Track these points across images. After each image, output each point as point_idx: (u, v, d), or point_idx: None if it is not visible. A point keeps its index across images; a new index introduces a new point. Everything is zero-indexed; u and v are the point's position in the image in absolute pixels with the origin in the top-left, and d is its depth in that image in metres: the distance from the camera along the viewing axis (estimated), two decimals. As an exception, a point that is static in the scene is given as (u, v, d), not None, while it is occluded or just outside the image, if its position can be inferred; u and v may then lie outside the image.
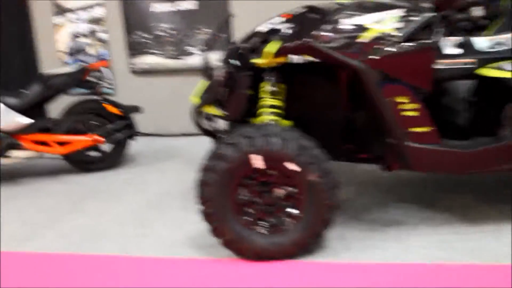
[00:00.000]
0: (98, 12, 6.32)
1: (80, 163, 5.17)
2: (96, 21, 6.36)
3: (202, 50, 4.46)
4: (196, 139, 6.04)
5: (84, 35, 6.43)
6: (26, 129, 4.91)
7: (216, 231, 3.10)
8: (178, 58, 6.17)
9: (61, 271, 3.28)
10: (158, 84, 6.32)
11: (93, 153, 5.20)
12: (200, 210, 3.09)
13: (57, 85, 4.95)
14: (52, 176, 5.18)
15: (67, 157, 5.11)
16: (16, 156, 4.95)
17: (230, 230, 3.06)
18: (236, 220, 3.06)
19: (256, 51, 3.29)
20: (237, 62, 3.38)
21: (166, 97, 6.27)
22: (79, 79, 5.00)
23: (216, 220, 3.06)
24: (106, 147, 5.20)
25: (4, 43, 6.62)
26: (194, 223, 3.75)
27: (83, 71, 5.03)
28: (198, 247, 3.41)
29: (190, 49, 6.11)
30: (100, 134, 5.04)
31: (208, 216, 3.08)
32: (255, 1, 5.68)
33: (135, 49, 6.29)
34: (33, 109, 4.98)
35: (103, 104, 5.08)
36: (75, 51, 6.47)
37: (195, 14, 6.02)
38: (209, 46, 4.28)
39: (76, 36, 6.45)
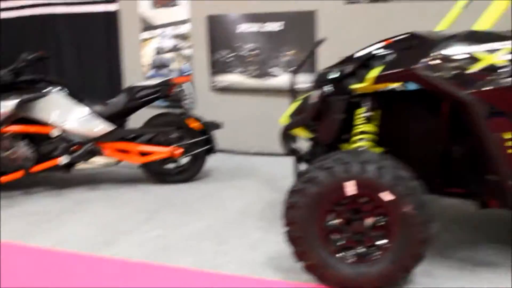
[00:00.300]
0: (184, 28, 6.40)
1: (158, 174, 5.20)
2: (181, 37, 6.45)
3: (290, 72, 4.41)
4: (272, 159, 6.03)
5: (169, 51, 6.51)
6: (109, 136, 4.98)
7: (300, 255, 3.01)
8: (260, 78, 6.16)
9: (134, 279, 3.27)
10: (237, 103, 6.32)
11: (170, 165, 5.22)
12: (285, 232, 3.00)
13: (144, 97, 5.01)
14: (129, 184, 5.22)
15: (145, 166, 5.15)
16: (95, 161, 5.02)
17: (315, 255, 2.96)
18: (322, 245, 2.96)
19: (354, 76, 3.22)
20: (332, 87, 3.30)
21: (245, 115, 6.27)
22: (165, 92, 5.05)
23: (301, 243, 2.97)
24: (184, 160, 5.21)
25: (92, 54, 6.82)
26: (273, 244, 3.68)
27: (169, 85, 5.07)
28: (277, 268, 3.33)
29: (273, 70, 6.09)
30: (180, 147, 5.06)
31: (293, 239, 3.00)
32: (340, 25, 5.62)
33: (217, 66, 6.32)
34: (118, 118, 5.06)
35: (185, 118, 5.10)
36: (159, 66, 6.57)
37: (279, 36, 6.01)
38: (298, 67, 4.22)
39: (160, 51, 6.55)
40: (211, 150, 5.20)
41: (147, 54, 6.63)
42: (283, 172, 5.43)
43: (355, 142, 3.26)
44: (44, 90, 4.91)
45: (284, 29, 6.00)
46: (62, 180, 5.36)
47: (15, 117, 4.82)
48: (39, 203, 4.76)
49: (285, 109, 6.14)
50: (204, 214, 4.36)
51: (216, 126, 5.21)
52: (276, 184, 5.09)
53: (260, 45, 6.12)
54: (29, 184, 5.20)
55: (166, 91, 5.06)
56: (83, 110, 4.98)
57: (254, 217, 4.24)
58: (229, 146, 6.26)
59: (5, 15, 7.17)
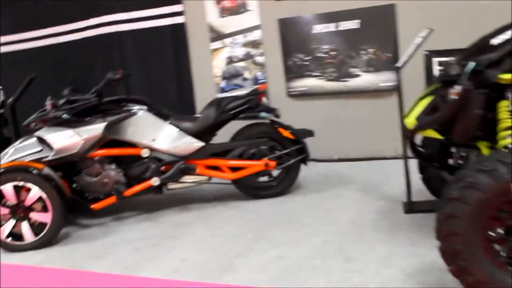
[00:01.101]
0: (255, 35, 6.11)
1: (250, 188, 4.89)
2: (252, 44, 6.15)
3: (395, 68, 4.06)
4: (359, 165, 5.69)
5: (241, 59, 6.23)
6: (200, 153, 4.70)
7: (461, 271, 2.64)
8: (339, 81, 5.81)
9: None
10: (316, 108, 6.00)
11: (263, 178, 4.91)
12: (442, 246, 2.64)
13: (234, 108, 4.71)
14: (221, 202, 4.93)
15: (236, 181, 4.85)
16: (186, 180, 4.73)
17: (480, 270, 2.59)
18: (487, 258, 2.59)
19: (498, 65, 2.85)
20: (470, 79, 2.95)
21: (325, 120, 5.92)
22: (255, 102, 4.75)
23: (463, 258, 2.61)
24: (275, 172, 4.90)
25: (160, 69, 6.58)
26: (404, 258, 3.33)
27: (258, 93, 4.78)
28: (423, 284, 2.98)
29: (353, 70, 5.74)
30: (272, 159, 4.75)
31: (452, 253, 2.63)
32: (423, 16, 5.23)
33: (292, 71, 6.01)
34: (207, 133, 4.77)
35: (277, 128, 4.79)
36: (231, 75, 6.28)
37: (357, 34, 5.67)
38: (403, 63, 3.88)
39: (232, 60, 6.27)
40: (305, 160, 4.87)
41: (218, 65, 6.35)
42: (376, 177, 5.11)
43: (503, 138, 2.89)
44: (131, 110, 4.65)
45: (362, 26, 5.66)
46: (151, 202, 5.09)
47: (104, 141, 4.58)
48: (135, 228, 4.49)
49: (369, 111, 5.87)
50: (315, 228, 4.03)
51: (308, 133, 4.89)
52: (376, 191, 4.73)
53: (337, 46, 5.78)
54: (118, 208, 4.93)
55: (256, 101, 4.76)
56: (171, 128, 4.71)
57: (371, 229, 3.88)
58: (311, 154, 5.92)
59: (70, 37, 7.00)
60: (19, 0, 7.06)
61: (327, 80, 5.89)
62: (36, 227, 4.20)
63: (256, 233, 4.06)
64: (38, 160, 4.41)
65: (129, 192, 4.61)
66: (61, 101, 4.55)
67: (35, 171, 4.18)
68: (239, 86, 6.22)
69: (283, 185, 4.89)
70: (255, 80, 6.19)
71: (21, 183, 4.15)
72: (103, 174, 4.60)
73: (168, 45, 6.54)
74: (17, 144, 4.60)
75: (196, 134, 4.71)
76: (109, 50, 6.82)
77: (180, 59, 6.52)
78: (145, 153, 4.64)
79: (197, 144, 4.69)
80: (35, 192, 4.14)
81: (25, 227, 4.19)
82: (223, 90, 6.29)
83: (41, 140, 4.53)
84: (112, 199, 4.58)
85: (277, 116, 4.84)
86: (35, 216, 4.19)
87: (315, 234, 3.91)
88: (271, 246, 3.79)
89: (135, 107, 4.69)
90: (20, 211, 4.19)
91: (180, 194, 5.21)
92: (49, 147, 4.48)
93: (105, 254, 3.98)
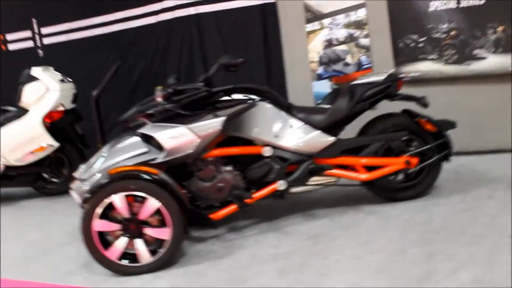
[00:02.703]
0: (358, 14, 5.23)
1: (385, 190, 4.05)
2: (355, 25, 5.28)
3: None
4: (480, 158, 4.87)
5: (341, 42, 5.35)
6: (330, 151, 3.86)
7: None
8: (461, 64, 4.94)
9: None
10: (432, 95, 5.04)
11: (399, 178, 4.05)
12: None
13: (371, 97, 3.86)
14: (348, 206, 4.10)
15: (369, 183, 4.00)
16: (312, 182, 3.90)
17: None
18: None
19: None
20: None
21: (442, 110, 4.97)
22: (395, 89, 3.90)
23: None
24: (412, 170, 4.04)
25: (245, 54, 5.70)
26: None
27: (397, 79, 3.93)
28: None
29: (478, 52, 4.87)
30: (414, 155, 3.91)
31: None
32: None
33: (403, 55, 5.13)
34: (337, 127, 3.93)
35: (418, 119, 3.94)
36: (330, 60, 5.42)
37: (483, 10, 4.79)
38: None
39: (331, 43, 5.40)
40: (448, 156, 4.02)
41: (315, 49, 5.47)
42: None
43: None
44: (248, 101, 3.80)
45: (488, 1, 4.77)
46: (259, 207, 4.22)
47: (221, 139, 3.74)
48: (263, 242, 3.66)
49: (495, 98, 4.99)
50: (494, 240, 3.16)
51: (451, 125, 4.03)
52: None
53: (459, 24, 4.90)
54: (227, 216, 4.06)
55: (396, 88, 3.91)
56: (295, 121, 3.87)
57: None
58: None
59: (142, 21, 6.15)
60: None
61: (445, 64, 5.01)
62: (150, 245, 3.39)
63: (423, 247, 3.22)
64: (144, 164, 3.58)
65: (252, 199, 3.78)
66: (167, 92, 3.68)
67: (150, 178, 3.35)
68: (340, 73, 5.36)
69: (422, 185, 4.04)
70: (359, 65, 5.32)
71: (133, 193, 3.32)
72: (219, 177, 3.76)
73: (256, 28, 5.69)
74: (115, 145, 3.78)
75: (325, 128, 3.87)
76: (186, 34, 5.97)
77: (269, 44, 5.68)
78: (267, 151, 3.80)
79: (328, 139, 3.85)
80: (152, 203, 3.32)
81: (140, 246, 3.36)
82: (320, 77, 5.44)
83: (146, 140, 3.70)
84: (233, 208, 3.75)
85: (425, 106, 3.98)
86: (150, 232, 3.37)
87: (499, 248, 3.05)
88: (456, 265, 2.94)
89: (252, 98, 3.84)
90: (133, 227, 3.36)
91: (299, 199, 4.34)
92: (157, 147, 3.65)
93: (244, 279, 3.14)
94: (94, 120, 5.15)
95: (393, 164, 3.88)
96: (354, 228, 3.68)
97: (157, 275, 3.33)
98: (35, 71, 5.44)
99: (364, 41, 5.28)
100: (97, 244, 3.34)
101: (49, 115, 5.40)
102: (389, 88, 3.87)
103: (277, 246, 3.56)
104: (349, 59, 5.36)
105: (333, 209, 4.08)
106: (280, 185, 3.79)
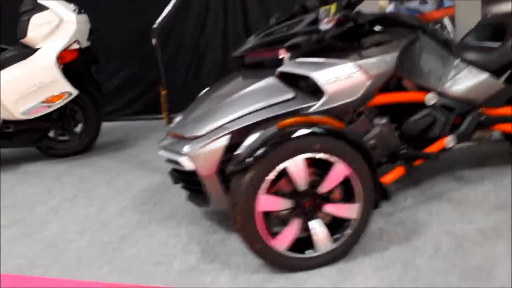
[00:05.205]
0: None
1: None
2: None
3: None
4: None
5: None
6: (499, 99, 2.96)
7: None
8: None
9: None
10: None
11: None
12: None
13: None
14: (491, 165, 3.26)
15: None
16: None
17: None
18: None
19: None
20: None
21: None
22: None
23: None
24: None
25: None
26: None
27: None
28: None
29: None
30: None
31: None
32: None
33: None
34: (505, 70, 3.03)
35: None
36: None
37: None
38: None
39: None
40: None
41: (387, -17, 4.49)
42: None
43: None
44: (409, 34, 2.77)
45: None
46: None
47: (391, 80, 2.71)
48: (441, 215, 2.72)
49: None
50: None
51: None
52: None
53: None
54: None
55: None
56: (459, 62, 2.92)
57: None
58: None
59: None
60: None
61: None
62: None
63: None
64: (294, 113, 2.46)
65: (418, 160, 2.80)
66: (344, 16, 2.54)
67: (339, 134, 2.26)
68: (414, 11, 4.43)
69: None
70: (439, 2, 4.42)
71: (319, 156, 2.22)
72: (373, 132, 2.74)
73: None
74: (232, 89, 2.62)
75: (495, 72, 2.96)
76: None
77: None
78: (431, 99, 2.82)
79: (499, 84, 2.95)
80: (341, 168, 2.24)
81: (320, 229, 2.28)
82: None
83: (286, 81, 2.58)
84: (398, 172, 2.75)
85: None
86: (331, 209, 2.30)
87: None
88: None
89: (412, 30, 2.81)
90: (308, 203, 2.27)
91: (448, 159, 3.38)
92: (305, 92, 2.55)
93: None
94: (157, 58, 3.81)
95: None
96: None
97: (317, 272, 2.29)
98: (43, -3, 3.96)
99: (446, -25, 4.38)
100: (262, 231, 2.22)
101: (60, 55, 3.98)
102: None
103: (458, 220, 2.64)
104: (427, -5, 4.44)
105: (474, 170, 3.22)
106: (449, 141, 2.84)
